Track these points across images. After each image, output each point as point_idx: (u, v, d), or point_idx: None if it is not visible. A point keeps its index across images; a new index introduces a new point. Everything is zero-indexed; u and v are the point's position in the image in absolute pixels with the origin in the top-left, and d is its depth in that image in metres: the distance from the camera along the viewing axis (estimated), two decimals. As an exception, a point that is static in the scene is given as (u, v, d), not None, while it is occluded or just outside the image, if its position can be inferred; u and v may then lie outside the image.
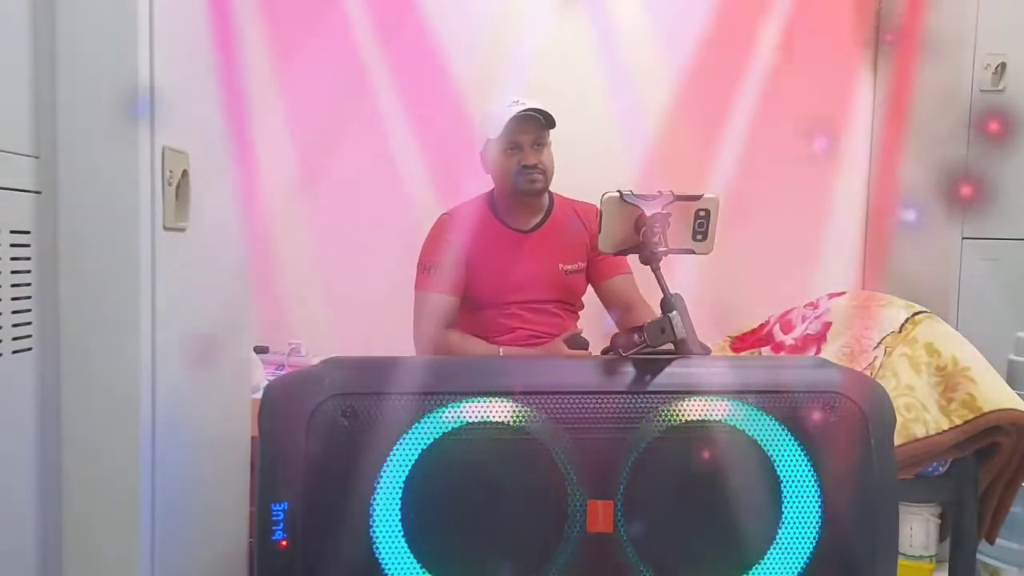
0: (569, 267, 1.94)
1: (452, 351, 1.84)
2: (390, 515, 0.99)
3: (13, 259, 0.98)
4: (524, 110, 1.82)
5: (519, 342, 1.89)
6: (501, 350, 1.84)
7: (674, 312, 1.10)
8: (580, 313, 2.04)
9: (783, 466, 1.03)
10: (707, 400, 1.03)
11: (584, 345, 1.73)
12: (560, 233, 1.95)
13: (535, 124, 1.85)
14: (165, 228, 1.09)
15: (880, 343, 1.60)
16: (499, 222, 1.94)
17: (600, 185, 1.20)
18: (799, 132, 2.57)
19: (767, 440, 1.03)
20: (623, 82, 2.49)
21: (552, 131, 1.90)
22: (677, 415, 1.03)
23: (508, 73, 2.40)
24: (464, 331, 1.90)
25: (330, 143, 2.43)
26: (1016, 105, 2.12)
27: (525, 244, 1.93)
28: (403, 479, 1.00)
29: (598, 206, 1.18)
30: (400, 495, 1.00)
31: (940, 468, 1.54)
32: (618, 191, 1.17)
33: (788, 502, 1.03)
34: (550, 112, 1.85)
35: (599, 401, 1.03)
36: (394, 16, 2.42)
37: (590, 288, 2.03)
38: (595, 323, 2.00)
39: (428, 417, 1.00)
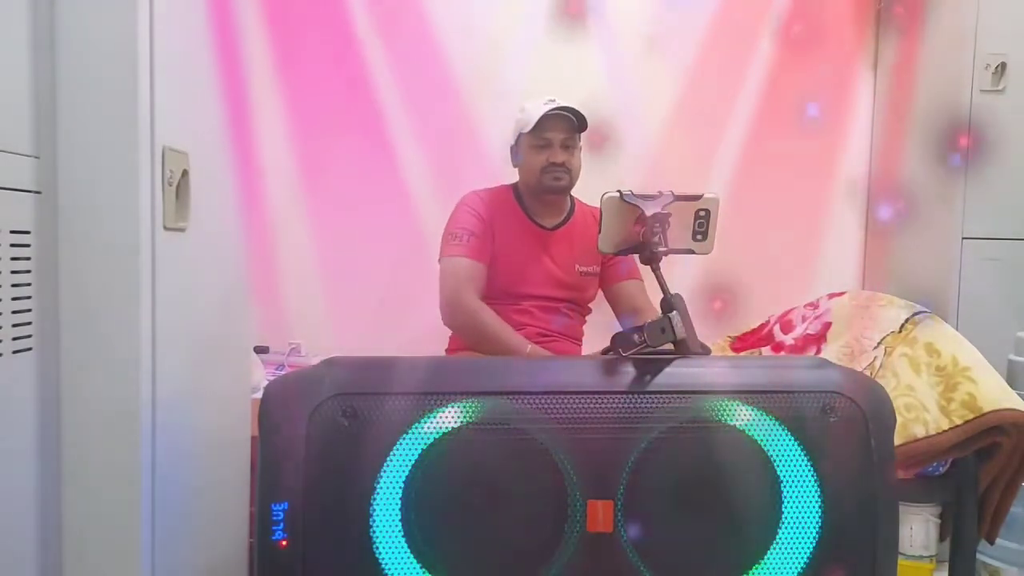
0: (585, 269, 1.96)
1: (484, 326, 1.80)
2: (390, 515, 0.99)
3: (13, 259, 0.98)
4: (557, 108, 1.86)
5: (529, 340, 1.88)
6: (529, 347, 1.81)
7: (674, 312, 1.10)
8: (587, 317, 2.05)
9: (783, 466, 1.03)
10: (707, 400, 1.03)
11: None
12: (580, 235, 1.98)
13: (567, 124, 1.89)
14: (165, 228, 1.09)
15: (880, 343, 1.60)
16: (525, 214, 1.97)
17: (600, 184, 1.21)
18: (799, 132, 2.57)
19: (767, 440, 1.03)
20: (623, 80, 2.49)
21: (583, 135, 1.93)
22: (677, 415, 1.03)
23: (508, 72, 2.41)
24: None
25: (330, 143, 2.43)
26: (1016, 105, 2.12)
27: (547, 241, 1.96)
28: (403, 479, 1.00)
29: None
30: (400, 495, 1.00)
31: (940, 468, 1.53)
32: (618, 191, 1.17)
33: (788, 502, 1.03)
34: (583, 113, 1.89)
35: (599, 401, 1.03)
36: (394, 14, 2.42)
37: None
38: (598, 324, 2.00)
39: (428, 417, 1.01)
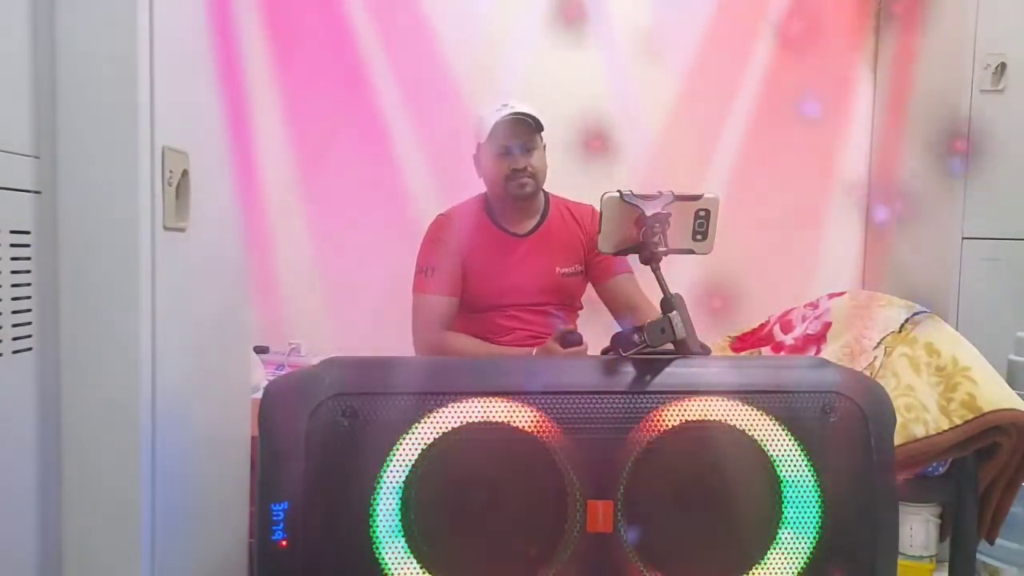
0: (566, 270, 1.93)
1: (454, 353, 1.83)
2: (390, 515, 0.99)
3: (13, 259, 0.98)
4: (511, 114, 1.81)
5: (519, 343, 1.89)
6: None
7: (674, 312, 1.10)
8: (579, 313, 2.05)
9: (783, 466, 1.03)
10: (707, 400, 1.03)
11: (578, 341, 1.71)
12: (556, 236, 1.95)
13: (524, 128, 1.84)
14: (165, 228, 1.09)
15: (880, 343, 1.60)
16: (495, 225, 1.94)
17: (600, 185, 1.20)
18: (799, 132, 2.57)
19: (767, 440, 1.03)
20: (622, 80, 2.49)
21: (544, 133, 1.90)
22: (677, 415, 1.03)
23: (507, 72, 2.41)
24: (464, 332, 1.90)
25: (330, 143, 2.43)
26: (1015, 105, 2.12)
27: (521, 248, 1.92)
28: (403, 479, 1.00)
29: (597, 206, 1.18)
30: (400, 495, 1.00)
31: (940, 468, 1.53)
32: (618, 191, 1.17)
33: (788, 502, 1.03)
34: (537, 116, 1.84)
35: (599, 401, 1.03)
36: (393, 15, 2.42)
37: (590, 289, 2.03)
38: (594, 323, 2.00)
39: (428, 417, 1.00)
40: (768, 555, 1.03)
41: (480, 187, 2.02)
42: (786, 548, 1.03)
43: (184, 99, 1.15)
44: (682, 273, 2.22)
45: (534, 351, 1.80)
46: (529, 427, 1.01)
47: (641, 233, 1.16)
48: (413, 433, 1.00)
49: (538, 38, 2.46)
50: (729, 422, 1.03)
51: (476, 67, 2.43)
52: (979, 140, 2.14)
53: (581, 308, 2.04)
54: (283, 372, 2.26)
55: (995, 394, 1.45)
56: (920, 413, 1.46)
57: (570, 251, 1.95)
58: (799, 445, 1.03)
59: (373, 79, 2.42)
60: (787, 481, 1.03)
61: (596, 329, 1.92)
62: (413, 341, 1.90)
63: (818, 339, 1.75)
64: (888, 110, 2.55)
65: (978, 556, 1.61)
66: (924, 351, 1.53)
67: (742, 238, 2.37)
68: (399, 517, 1.00)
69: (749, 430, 1.03)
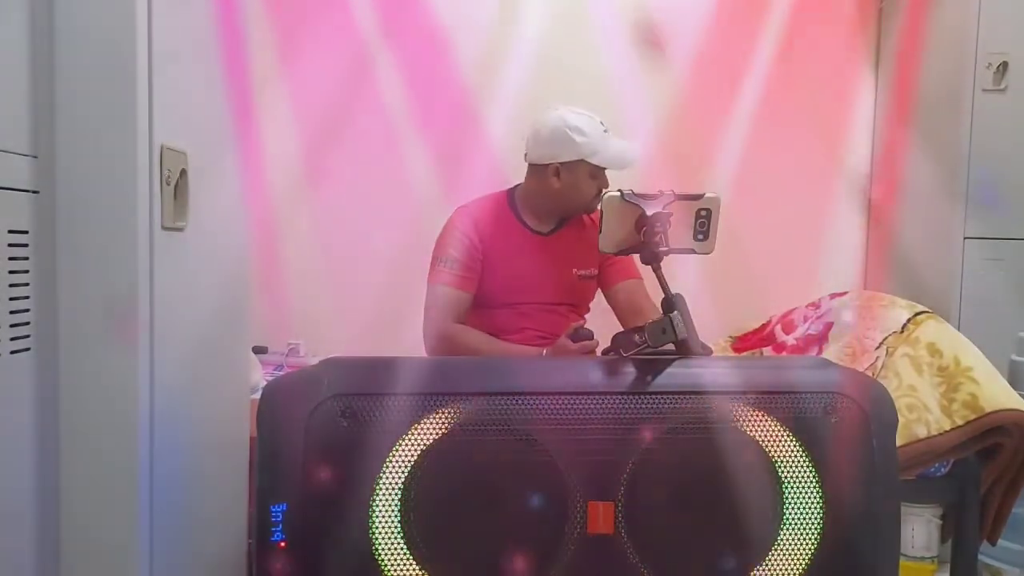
0: (582, 272, 1.95)
1: (462, 346, 1.83)
2: (389, 515, 0.99)
3: (11, 259, 0.97)
4: (634, 153, 1.84)
5: (527, 342, 1.88)
6: (517, 349, 1.83)
7: (675, 312, 1.09)
8: (586, 317, 2.05)
9: (785, 467, 1.03)
10: (708, 401, 1.03)
11: (589, 336, 1.70)
12: (576, 238, 1.96)
13: None
14: (163, 228, 1.09)
15: (882, 343, 1.59)
16: (518, 222, 1.95)
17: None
18: (801, 131, 2.56)
19: (768, 441, 1.03)
20: (624, 81, 2.49)
21: None
22: (678, 416, 1.02)
23: (512, 70, 2.40)
24: (474, 327, 1.90)
25: (332, 142, 2.43)
26: (1017, 104, 2.12)
27: (543, 247, 1.93)
28: (402, 479, 0.99)
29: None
30: (399, 495, 0.99)
31: (942, 469, 1.53)
32: (619, 190, 1.17)
33: (790, 503, 1.03)
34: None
35: (599, 401, 1.02)
36: (397, 10, 2.42)
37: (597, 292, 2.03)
38: (598, 326, 1.99)
39: (428, 417, 1.00)
40: (769, 556, 1.03)
41: (486, 185, 2.01)
42: (787, 549, 1.03)
43: (184, 98, 1.15)
44: (683, 273, 2.21)
45: (544, 352, 1.80)
46: (529, 427, 1.01)
47: (642, 233, 1.15)
48: (412, 434, 1.00)
49: (543, 35, 2.45)
50: (730, 423, 1.03)
51: (481, 65, 2.42)
52: (981, 139, 2.13)
53: (588, 312, 2.05)
54: (282, 372, 2.25)
55: (997, 394, 1.44)
56: (922, 413, 1.45)
57: (587, 253, 1.95)
58: (801, 446, 1.02)
59: (378, 79, 2.42)
60: (788, 482, 1.03)
61: (598, 331, 1.92)
62: (423, 331, 1.88)
63: (820, 339, 1.74)
64: (890, 109, 2.55)
65: (980, 557, 1.61)
66: (926, 351, 1.53)
67: (744, 238, 2.36)
68: (398, 518, 0.99)
69: (750, 431, 1.03)
